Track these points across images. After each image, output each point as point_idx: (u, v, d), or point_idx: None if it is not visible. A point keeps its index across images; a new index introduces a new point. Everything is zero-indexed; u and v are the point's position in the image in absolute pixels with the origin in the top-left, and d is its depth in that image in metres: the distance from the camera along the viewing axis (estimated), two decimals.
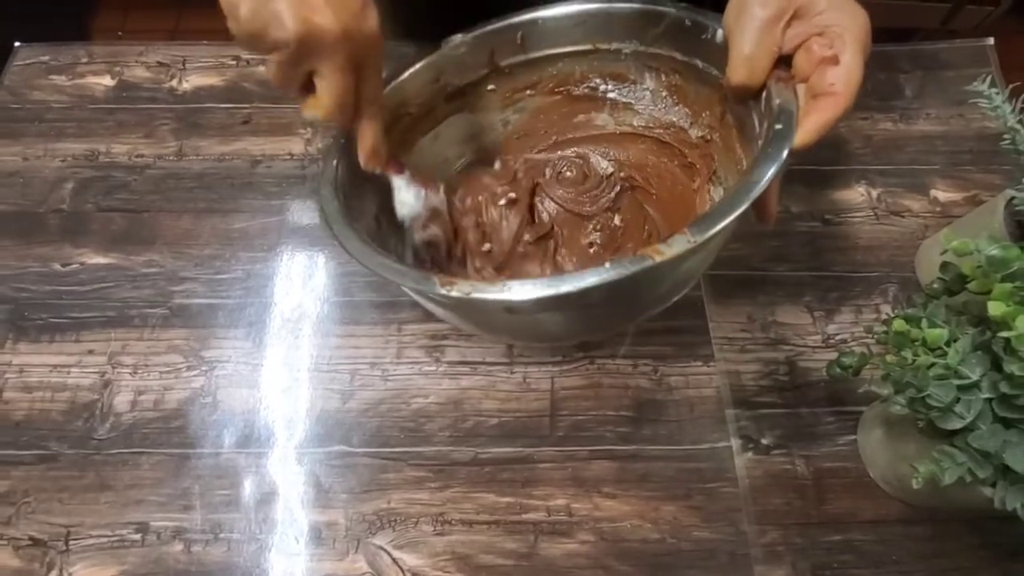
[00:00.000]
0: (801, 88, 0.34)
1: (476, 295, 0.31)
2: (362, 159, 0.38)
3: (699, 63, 0.42)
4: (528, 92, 0.48)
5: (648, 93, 0.47)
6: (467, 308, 0.36)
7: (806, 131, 0.32)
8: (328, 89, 0.33)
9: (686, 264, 0.34)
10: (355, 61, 0.34)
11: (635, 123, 0.49)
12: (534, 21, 0.44)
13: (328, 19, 0.31)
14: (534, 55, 0.45)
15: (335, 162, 0.39)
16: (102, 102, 0.59)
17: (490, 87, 0.47)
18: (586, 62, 0.46)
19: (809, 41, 0.33)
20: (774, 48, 0.34)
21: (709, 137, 0.45)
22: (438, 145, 0.47)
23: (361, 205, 0.40)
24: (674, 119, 0.47)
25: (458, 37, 0.44)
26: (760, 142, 0.35)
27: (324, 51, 0.32)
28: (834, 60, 0.33)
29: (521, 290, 0.30)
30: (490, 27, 0.44)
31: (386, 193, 0.42)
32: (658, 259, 0.29)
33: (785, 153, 0.32)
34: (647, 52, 0.44)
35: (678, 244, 0.30)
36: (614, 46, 0.44)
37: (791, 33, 0.34)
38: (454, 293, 0.31)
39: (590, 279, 0.29)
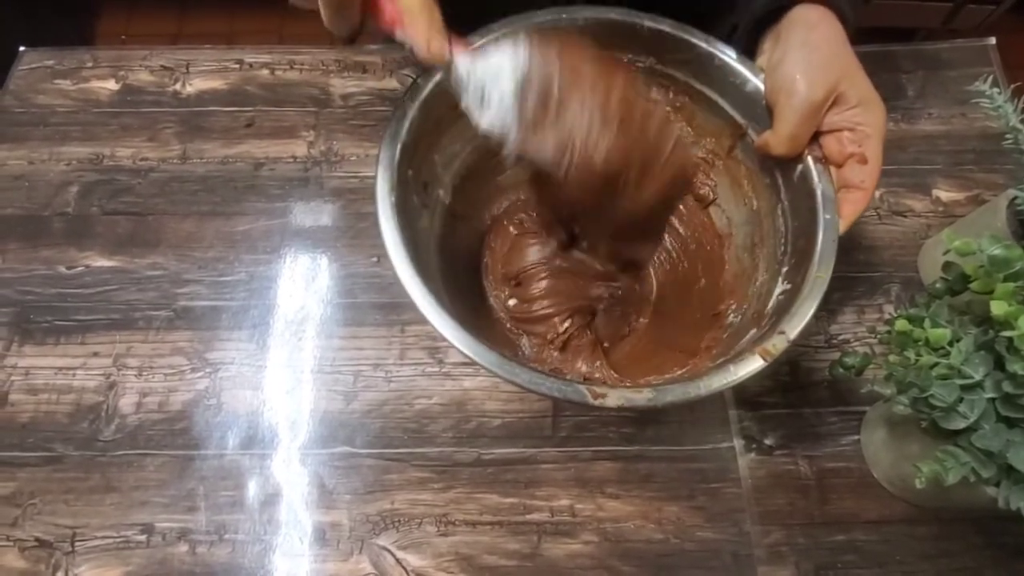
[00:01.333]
0: (833, 172, 0.38)
1: (626, 404, 0.33)
2: (420, 48, 0.30)
3: (716, 97, 0.43)
4: None
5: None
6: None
7: (846, 222, 0.37)
8: None
9: None
10: None
11: None
12: (556, 20, 0.42)
13: None
14: None
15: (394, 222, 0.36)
16: (106, 106, 0.59)
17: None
18: None
19: (841, 133, 0.37)
20: (814, 129, 0.38)
21: (711, 161, 0.46)
22: (445, 141, 0.46)
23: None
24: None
25: (474, 39, 0.43)
26: (787, 210, 0.40)
27: None
28: (863, 159, 0.37)
29: (668, 395, 0.33)
30: (505, 27, 0.42)
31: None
32: (768, 360, 0.33)
33: (836, 244, 0.36)
34: (662, 71, 0.44)
35: (780, 344, 0.34)
36: (629, 57, 0.44)
37: (827, 119, 0.37)
38: (608, 403, 0.32)
39: (723, 384, 0.33)
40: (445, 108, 0.39)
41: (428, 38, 0.30)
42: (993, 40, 0.60)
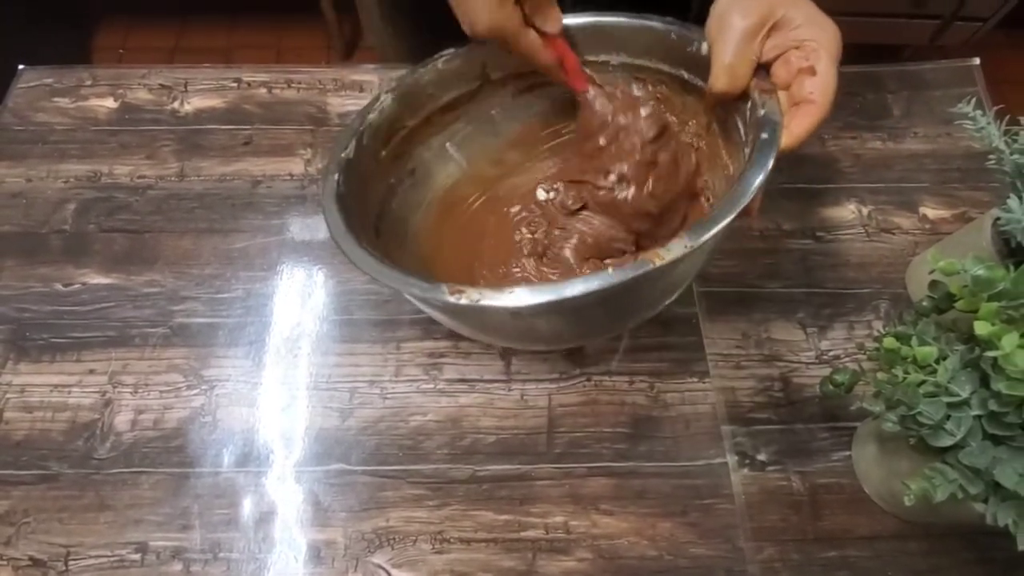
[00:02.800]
0: (782, 96, 0.36)
1: (484, 303, 0.32)
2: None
3: (685, 74, 0.44)
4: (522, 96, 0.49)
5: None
6: (470, 312, 0.37)
7: (791, 135, 0.34)
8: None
9: (680, 268, 0.35)
10: None
11: None
12: None
13: None
14: (525, 67, 0.46)
15: (336, 177, 0.40)
16: (105, 124, 0.59)
17: (487, 93, 0.48)
18: None
19: (787, 53, 0.36)
20: (753, 57, 0.36)
21: (696, 145, 0.47)
22: (433, 152, 0.48)
23: (362, 219, 0.41)
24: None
25: (451, 51, 0.45)
26: (747, 149, 0.37)
27: None
28: (811, 71, 0.35)
29: (527, 296, 0.31)
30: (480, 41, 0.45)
31: (385, 202, 0.42)
32: (658, 263, 0.31)
33: (772, 160, 0.34)
34: (634, 64, 0.45)
35: (676, 249, 0.31)
36: (602, 58, 0.46)
37: (770, 44, 0.36)
38: (463, 301, 0.32)
39: (593, 284, 0.31)
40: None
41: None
42: (977, 60, 0.62)
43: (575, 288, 0.31)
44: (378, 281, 0.35)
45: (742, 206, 0.32)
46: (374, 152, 0.43)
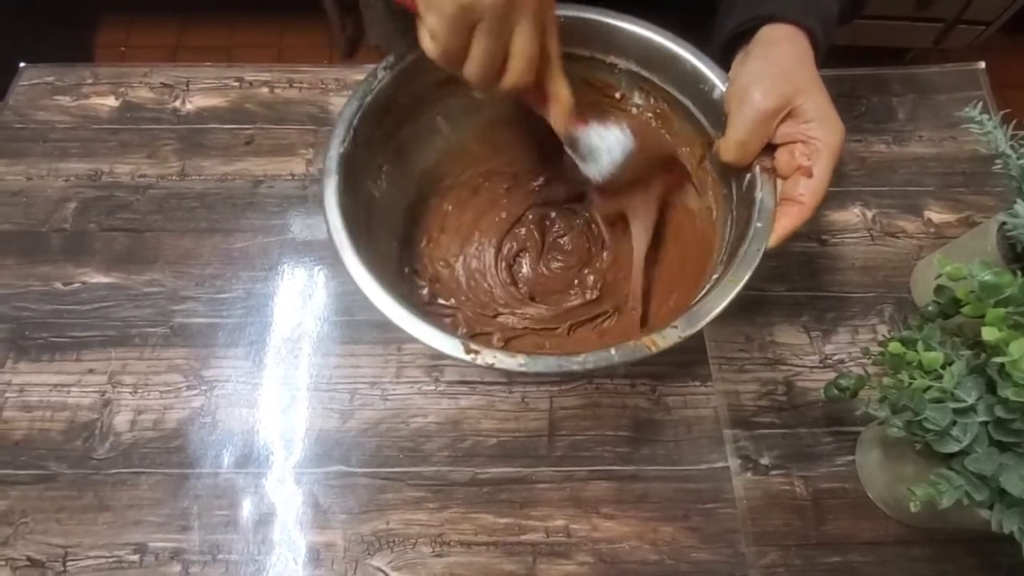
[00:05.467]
0: (779, 184, 0.38)
1: (496, 365, 0.34)
2: (560, 121, 0.39)
3: (690, 105, 0.44)
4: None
5: (634, 108, 0.48)
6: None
7: (777, 237, 0.37)
8: (524, 47, 0.34)
9: None
10: (542, 13, 0.35)
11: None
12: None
13: None
14: None
15: (336, 179, 0.40)
16: (106, 122, 0.59)
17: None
18: (579, 67, 0.46)
19: (793, 145, 0.37)
20: (765, 139, 0.38)
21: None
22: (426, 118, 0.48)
23: (356, 213, 0.41)
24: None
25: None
26: (734, 219, 0.41)
27: (526, 4, 0.33)
28: (808, 172, 0.36)
29: (535, 365, 0.34)
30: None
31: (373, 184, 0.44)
32: (654, 350, 0.34)
33: (761, 254, 0.36)
34: (641, 75, 0.45)
35: (670, 338, 0.35)
36: (610, 59, 0.45)
37: (781, 130, 0.37)
38: (478, 362, 0.34)
39: (591, 363, 0.34)
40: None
41: (564, 117, 0.39)
42: (983, 64, 0.61)
43: (578, 364, 0.34)
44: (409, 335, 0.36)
45: (732, 297, 0.35)
46: (367, 136, 0.43)
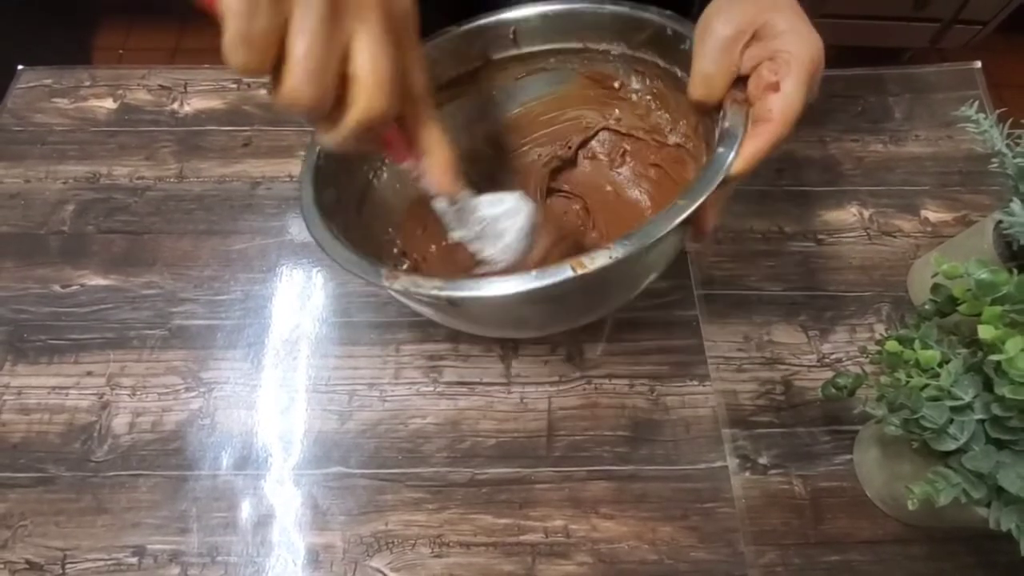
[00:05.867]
0: (751, 111, 0.35)
1: (413, 289, 0.32)
2: (436, 183, 0.32)
3: (678, 72, 0.43)
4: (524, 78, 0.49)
5: (634, 95, 0.48)
6: (421, 299, 0.37)
7: (742, 159, 0.33)
8: (370, 64, 0.25)
9: (626, 269, 0.35)
10: (394, 29, 0.26)
11: (622, 121, 0.50)
12: (527, 18, 0.45)
13: None
14: (527, 50, 0.47)
15: (318, 149, 0.40)
16: (104, 125, 0.59)
17: (488, 74, 0.48)
18: (577, 60, 0.47)
19: (760, 66, 0.34)
20: (732, 68, 0.34)
21: (685, 145, 0.47)
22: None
23: (343, 196, 0.41)
24: (657, 122, 0.48)
25: (452, 29, 0.45)
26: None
27: (361, 5, 0.25)
28: (775, 87, 0.33)
29: (454, 290, 0.31)
30: (483, 21, 0.45)
31: (368, 181, 0.43)
32: (580, 271, 0.30)
33: (719, 177, 0.32)
34: (633, 56, 0.45)
35: (600, 259, 0.30)
36: (603, 47, 0.46)
37: (748, 54, 0.34)
38: (396, 286, 0.32)
39: (512, 286, 0.30)
40: None
41: (443, 176, 0.32)
42: (979, 64, 0.61)
43: (494, 288, 0.31)
44: (331, 260, 0.35)
45: (677, 222, 0.31)
46: None
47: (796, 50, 0.32)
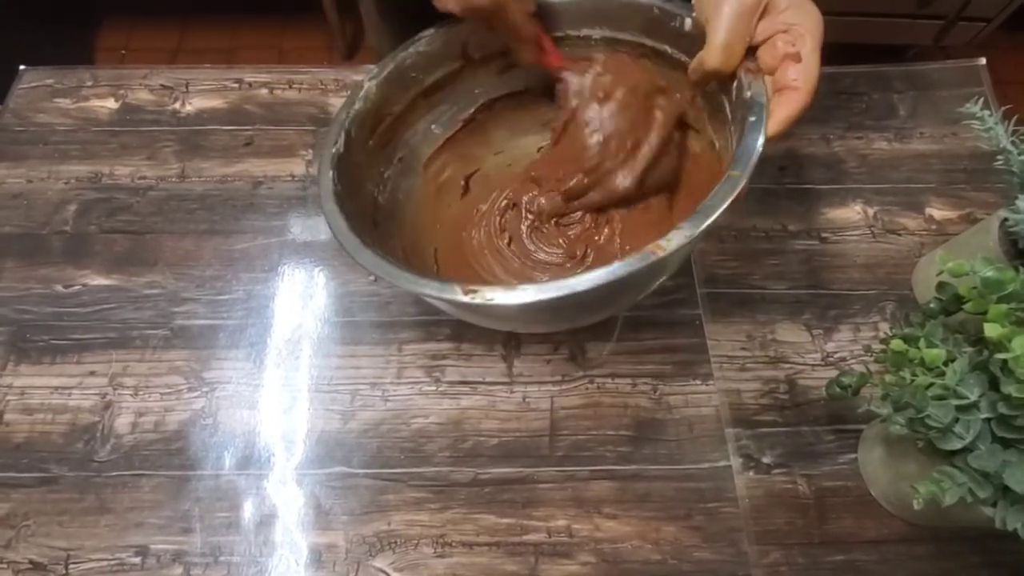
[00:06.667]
0: (768, 80, 0.37)
1: (497, 301, 0.33)
2: (523, 56, 0.42)
3: (668, 49, 0.44)
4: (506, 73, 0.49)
5: None
6: (480, 308, 0.37)
7: (776, 121, 0.35)
8: None
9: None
10: None
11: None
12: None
13: None
14: (506, 45, 0.46)
15: (330, 174, 0.40)
16: (106, 125, 0.59)
17: (470, 74, 0.48)
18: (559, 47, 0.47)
19: (774, 37, 0.36)
20: (747, 37, 0.37)
21: (682, 117, 0.47)
22: (419, 136, 0.49)
23: (360, 216, 0.41)
24: None
25: (430, 32, 0.45)
26: (733, 128, 0.39)
27: None
28: (796, 57, 0.35)
29: (536, 293, 0.32)
30: (462, 20, 0.44)
31: (378, 192, 0.44)
32: (661, 254, 0.31)
33: (760, 143, 0.34)
34: (616, 38, 0.46)
35: (676, 239, 0.32)
36: (584, 32, 0.46)
37: (760, 27, 0.37)
38: (477, 301, 0.33)
39: (601, 277, 0.31)
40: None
41: (531, 55, 0.42)
42: (983, 61, 0.61)
43: (583, 283, 0.31)
44: (389, 283, 0.35)
45: (736, 194, 0.33)
46: (363, 143, 0.43)
47: (807, 22, 0.36)
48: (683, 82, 0.44)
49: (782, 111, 0.35)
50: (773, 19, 0.36)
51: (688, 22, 0.41)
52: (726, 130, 0.41)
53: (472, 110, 0.50)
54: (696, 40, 0.40)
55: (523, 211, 0.50)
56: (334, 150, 0.41)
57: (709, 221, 0.32)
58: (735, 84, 0.38)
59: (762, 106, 0.36)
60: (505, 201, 0.51)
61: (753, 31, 0.37)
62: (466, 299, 0.33)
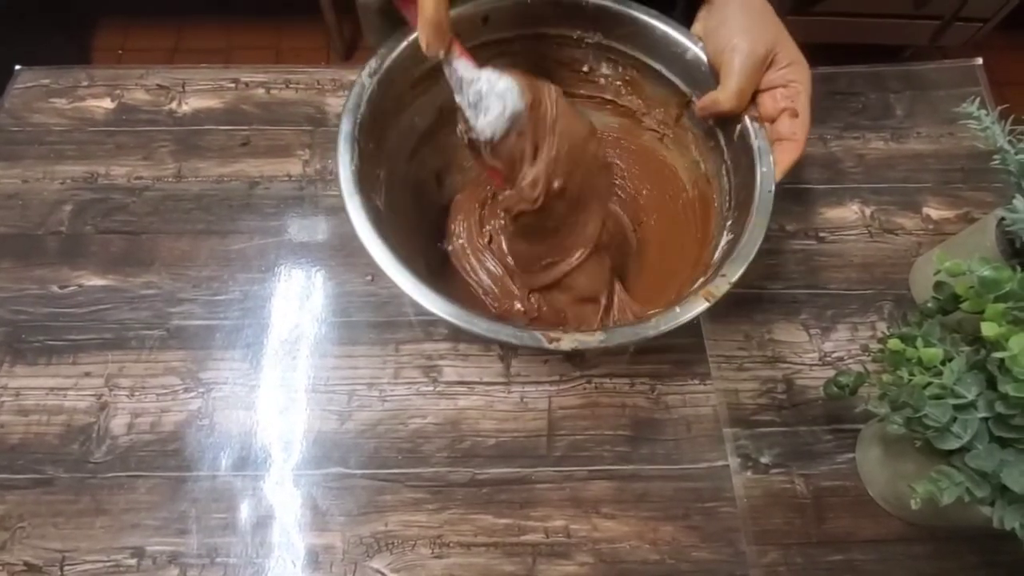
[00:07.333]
0: (768, 127, 0.41)
1: (580, 347, 0.35)
2: (423, 36, 0.34)
3: (664, 70, 0.46)
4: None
5: (602, 79, 0.50)
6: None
7: (782, 170, 0.40)
8: None
9: None
10: None
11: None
12: (500, 5, 0.45)
13: None
14: (495, 36, 0.46)
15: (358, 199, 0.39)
16: (102, 125, 0.59)
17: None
18: (546, 47, 0.48)
19: (775, 91, 0.41)
20: (757, 85, 0.41)
21: (660, 131, 0.50)
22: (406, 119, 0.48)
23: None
24: (628, 105, 0.51)
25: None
26: (731, 165, 0.43)
27: None
28: (794, 112, 0.40)
29: (614, 338, 0.36)
30: (456, 10, 0.44)
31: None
32: (711, 301, 0.37)
33: (773, 194, 0.39)
34: (609, 45, 0.47)
35: (723, 286, 0.37)
36: (576, 34, 0.47)
37: (766, 77, 0.41)
38: (563, 347, 0.35)
39: (664, 325, 0.36)
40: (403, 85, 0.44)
41: (429, 37, 0.35)
42: (980, 60, 0.61)
43: (654, 328, 0.36)
44: (464, 330, 0.36)
45: (760, 241, 0.38)
46: (364, 149, 0.42)
47: (803, 79, 0.41)
48: (668, 100, 0.47)
49: (784, 159, 0.40)
50: (776, 72, 0.41)
51: (691, 54, 0.44)
52: (717, 158, 0.45)
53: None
54: (694, 70, 0.44)
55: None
56: (352, 168, 0.39)
57: (746, 265, 0.38)
58: (738, 127, 0.42)
59: (769, 155, 0.41)
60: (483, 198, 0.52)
61: (760, 80, 0.41)
62: (550, 347, 0.35)
